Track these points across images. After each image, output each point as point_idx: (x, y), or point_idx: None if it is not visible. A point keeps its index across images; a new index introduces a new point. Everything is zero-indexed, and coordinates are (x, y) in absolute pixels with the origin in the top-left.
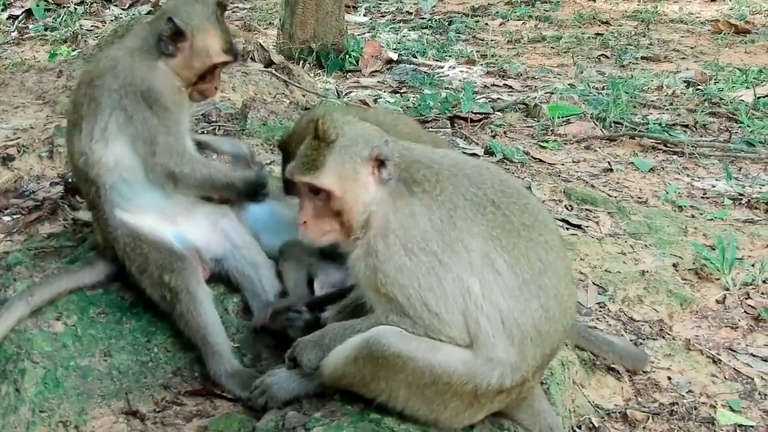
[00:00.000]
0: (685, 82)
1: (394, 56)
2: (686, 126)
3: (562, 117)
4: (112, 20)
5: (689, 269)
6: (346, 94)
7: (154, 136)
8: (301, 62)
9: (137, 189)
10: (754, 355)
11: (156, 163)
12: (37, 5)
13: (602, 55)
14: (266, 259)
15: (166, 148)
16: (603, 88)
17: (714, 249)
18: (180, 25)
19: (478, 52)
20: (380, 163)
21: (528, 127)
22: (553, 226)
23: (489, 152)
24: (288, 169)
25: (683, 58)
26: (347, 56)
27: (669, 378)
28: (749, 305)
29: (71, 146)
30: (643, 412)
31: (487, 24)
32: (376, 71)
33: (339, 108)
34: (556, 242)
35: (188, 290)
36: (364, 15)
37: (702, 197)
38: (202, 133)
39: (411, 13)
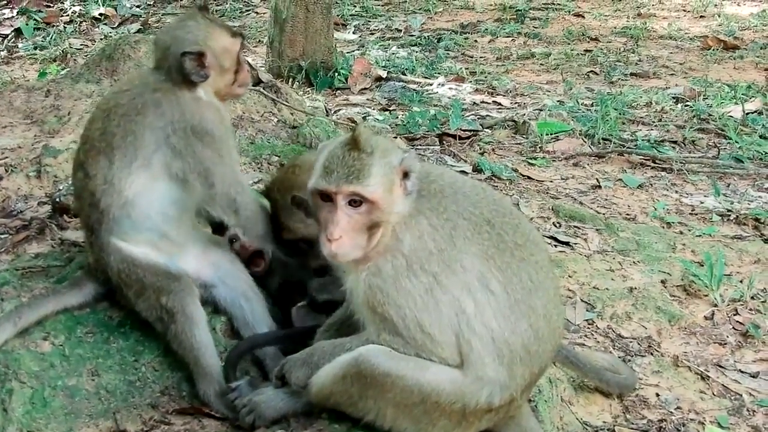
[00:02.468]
0: (674, 98)
1: (384, 74)
2: (675, 142)
3: (551, 134)
4: (101, 39)
5: (677, 286)
6: (335, 112)
7: (209, 168)
8: (291, 80)
9: (138, 226)
10: (742, 372)
11: (216, 193)
12: (27, 24)
13: (591, 71)
14: (257, 290)
15: (222, 178)
16: (592, 105)
17: (702, 265)
18: (196, 50)
19: (467, 69)
20: (405, 175)
21: (517, 144)
22: (543, 245)
23: (477, 169)
24: (326, 181)
25: (672, 75)
26: (336, 74)
27: (657, 395)
28: (737, 321)
29: (92, 170)
30: (632, 429)
31: (476, 41)
32: (365, 89)
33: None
34: (546, 262)
35: (184, 311)
36: (354, 33)
37: (690, 213)
38: None
39: (400, 31)
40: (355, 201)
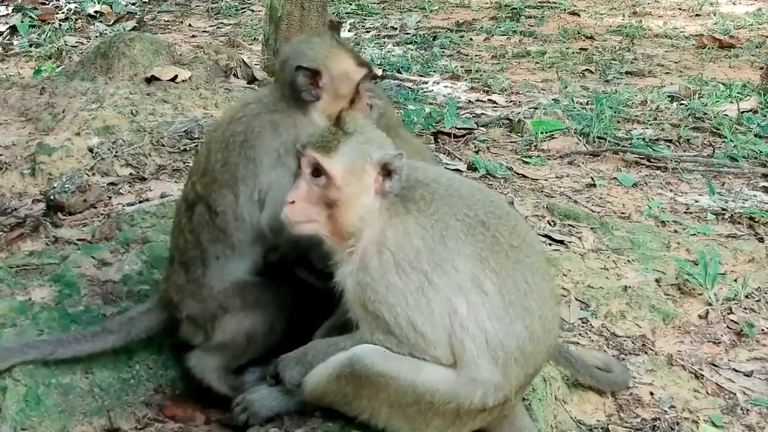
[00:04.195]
0: (669, 96)
1: (379, 72)
2: (670, 141)
3: (546, 132)
4: (96, 36)
5: (672, 284)
6: None
7: None
8: None
9: (254, 264)
10: (736, 371)
11: (276, 214)
12: (22, 21)
13: (586, 70)
14: None
15: None
16: (587, 103)
17: (697, 264)
18: (312, 66)
19: (462, 67)
20: (386, 174)
21: (511, 142)
22: (539, 247)
23: (472, 168)
24: (301, 144)
25: (667, 73)
26: None
27: (651, 393)
28: (732, 320)
29: (219, 206)
30: (626, 427)
31: (471, 39)
32: None
33: None
34: (542, 264)
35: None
36: (349, 31)
37: (685, 212)
38: (184, 149)
39: (396, 29)
40: (318, 171)
